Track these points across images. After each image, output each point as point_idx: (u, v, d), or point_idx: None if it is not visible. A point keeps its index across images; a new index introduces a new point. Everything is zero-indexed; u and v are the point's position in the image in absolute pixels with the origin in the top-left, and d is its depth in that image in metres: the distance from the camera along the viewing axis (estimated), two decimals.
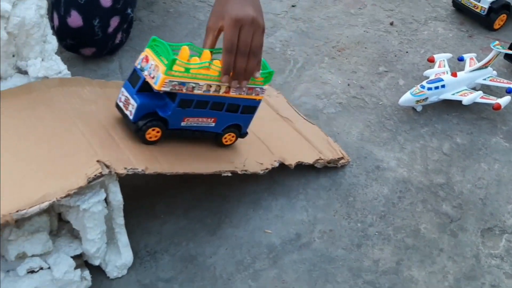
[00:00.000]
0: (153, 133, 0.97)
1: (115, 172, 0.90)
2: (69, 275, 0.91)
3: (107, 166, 0.90)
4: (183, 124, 0.99)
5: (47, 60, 1.10)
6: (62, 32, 1.40)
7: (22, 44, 1.07)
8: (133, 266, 1.02)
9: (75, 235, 0.97)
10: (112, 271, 0.99)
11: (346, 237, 1.08)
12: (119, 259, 0.99)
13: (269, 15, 1.71)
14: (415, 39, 1.62)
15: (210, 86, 0.95)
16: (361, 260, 1.05)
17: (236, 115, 1.03)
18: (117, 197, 0.93)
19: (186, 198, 1.15)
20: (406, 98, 1.33)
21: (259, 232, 1.09)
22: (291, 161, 1.12)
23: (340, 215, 1.12)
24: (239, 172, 1.04)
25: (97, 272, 0.99)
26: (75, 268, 0.92)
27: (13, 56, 1.07)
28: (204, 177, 1.16)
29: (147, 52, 0.94)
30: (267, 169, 1.08)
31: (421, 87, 1.33)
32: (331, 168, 1.21)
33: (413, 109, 1.37)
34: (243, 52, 0.92)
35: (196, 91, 0.94)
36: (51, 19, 1.41)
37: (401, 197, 1.16)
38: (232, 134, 1.07)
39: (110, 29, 1.42)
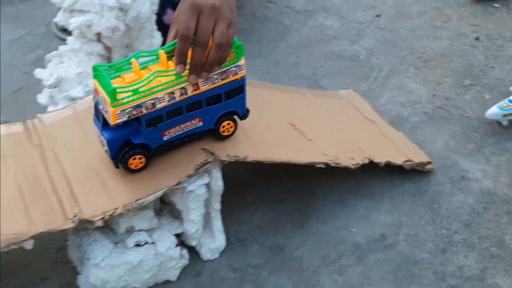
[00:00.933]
0: (136, 162, 0.91)
1: (219, 159, 0.96)
2: (170, 251, 0.97)
3: (212, 153, 0.96)
4: (165, 138, 0.92)
5: None
6: (159, 29, 1.49)
7: (135, 37, 1.15)
8: (224, 251, 1.07)
9: (175, 216, 1.03)
10: (206, 253, 1.05)
11: (431, 241, 1.10)
12: (213, 242, 1.04)
13: (353, 23, 1.75)
14: (501, 55, 1.61)
15: (173, 93, 0.86)
16: (445, 264, 1.06)
17: (222, 104, 0.94)
18: (218, 183, 0.99)
19: (274, 192, 1.20)
20: (493, 111, 1.33)
21: (344, 230, 1.12)
22: (380, 159, 1.15)
23: (425, 220, 1.14)
24: (332, 165, 1.07)
25: (191, 253, 1.05)
26: (176, 246, 0.99)
27: (126, 47, 1.16)
28: (292, 173, 1.22)
29: (95, 83, 0.86)
30: (358, 164, 1.11)
31: (509, 102, 1.33)
32: (416, 175, 1.23)
33: (499, 123, 1.37)
34: (200, 42, 0.81)
35: (159, 105, 0.86)
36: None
37: (486, 208, 1.17)
38: (228, 122, 0.97)
39: None
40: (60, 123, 1.02)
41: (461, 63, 1.58)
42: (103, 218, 0.85)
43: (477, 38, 1.68)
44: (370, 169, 1.23)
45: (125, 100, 0.82)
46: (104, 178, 0.92)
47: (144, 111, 0.85)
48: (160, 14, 1.46)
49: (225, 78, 0.91)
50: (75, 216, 0.86)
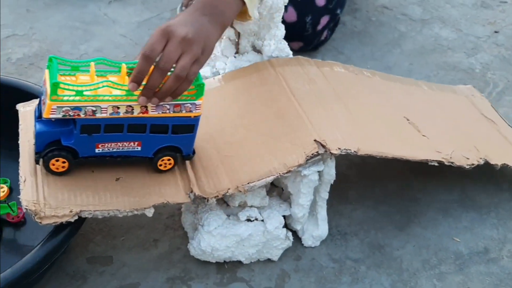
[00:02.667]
0: (58, 164, 0.87)
1: (330, 152, 0.98)
2: (277, 231, 1.01)
3: (323, 146, 0.98)
4: (97, 150, 0.87)
5: (279, 43, 1.23)
6: None
7: (263, 26, 1.20)
8: (325, 241, 1.10)
9: (283, 199, 1.07)
10: (308, 240, 1.08)
11: None
12: (316, 230, 1.07)
13: (470, 37, 1.72)
14: None
15: (118, 108, 0.82)
16: None
17: (167, 137, 0.90)
18: (331, 172, 1.01)
19: (377, 193, 1.21)
20: None
21: (447, 238, 1.12)
22: (496, 161, 1.12)
23: None
24: (446, 163, 1.05)
25: (293, 238, 1.08)
26: (283, 227, 1.03)
27: (254, 35, 1.21)
28: (395, 176, 1.23)
29: (46, 73, 0.82)
30: (473, 164, 1.09)
31: None
32: None
33: None
34: (160, 67, 0.79)
35: (99, 115, 0.82)
36: None
37: None
38: (169, 158, 0.92)
39: (319, 27, 1.54)
40: None
41: None
42: (216, 196, 0.91)
43: None
44: (477, 182, 1.22)
45: (65, 98, 0.79)
46: (221, 157, 0.97)
47: (82, 116, 0.81)
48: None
49: (178, 112, 0.87)
50: (191, 191, 0.92)
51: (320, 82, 1.14)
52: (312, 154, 0.97)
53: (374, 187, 1.22)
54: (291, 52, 1.25)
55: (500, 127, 1.26)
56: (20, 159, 0.91)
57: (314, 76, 1.15)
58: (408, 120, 1.13)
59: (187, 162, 0.97)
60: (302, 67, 1.16)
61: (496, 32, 1.74)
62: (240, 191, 0.93)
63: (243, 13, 0.98)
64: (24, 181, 0.88)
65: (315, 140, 0.99)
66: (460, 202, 1.19)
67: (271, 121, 1.05)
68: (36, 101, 0.99)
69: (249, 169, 0.96)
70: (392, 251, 1.09)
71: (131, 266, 1.03)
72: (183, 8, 1.68)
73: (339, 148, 0.98)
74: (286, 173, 0.96)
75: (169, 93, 0.82)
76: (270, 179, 0.95)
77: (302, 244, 1.08)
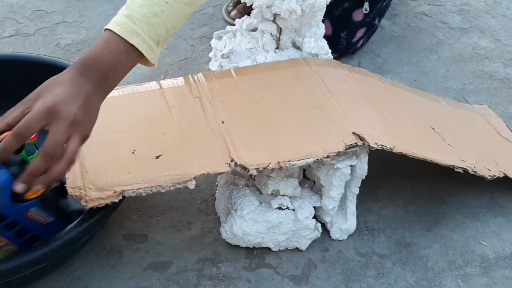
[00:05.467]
0: None
1: (368, 145, 1.01)
2: (307, 220, 1.04)
3: (361, 139, 1.01)
4: None
5: (319, 41, 1.26)
6: None
7: (305, 23, 1.24)
8: (352, 235, 1.12)
9: (314, 191, 1.10)
10: (336, 233, 1.11)
11: None
12: (345, 223, 1.10)
13: (509, 47, 1.72)
14: None
15: None
16: None
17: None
18: (363, 167, 1.04)
19: (406, 193, 1.23)
20: None
21: (473, 241, 1.13)
22: None
23: None
24: (470, 172, 1.08)
25: (321, 230, 1.11)
26: (313, 218, 1.06)
27: (295, 31, 1.25)
28: (424, 178, 1.25)
29: None
30: (494, 176, 1.12)
31: None
32: None
33: None
34: (49, 153, 0.73)
35: None
36: None
37: None
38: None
39: (355, 39, 1.56)
40: (219, 82, 1.12)
41: None
42: (257, 168, 0.93)
43: None
44: (506, 189, 1.23)
45: None
46: (258, 136, 1.00)
47: None
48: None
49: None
50: (232, 161, 0.94)
51: (353, 84, 1.18)
52: (351, 144, 1.00)
53: (403, 187, 1.24)
54: (330, 51, 1.28)
55: None
56: None
57: (347, 78, 1.19)
58: (433, 129, 1.16)
59: (226, 135, 1.00)
60: (335, 69, 1.20)
61: None
62: (281, 167, 0.95)
63: (145, 60, 0.85)
64: (69, 171, 0.93)
65: (353, 133, 1.02)
66: (489, 208, 1.20)
67: (310, 111, 1.08)
68: None
69: (289, 148, 0.99)
70: (418, 250, 1.11)
71: (165, 245, 1.08)
72: (230, 7, 1.72)
73: (376, 143, 1.01)
74: (326, 157, 0.98)
75: (59, 178, 0.77)
76: (310, 160, 0.97)
77: (330, 237, 1.11)
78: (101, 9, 1.75)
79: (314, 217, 1.09)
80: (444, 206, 1.20)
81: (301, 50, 1.25)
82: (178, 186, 0.93)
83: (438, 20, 1.83)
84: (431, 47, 1.71)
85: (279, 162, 0.95)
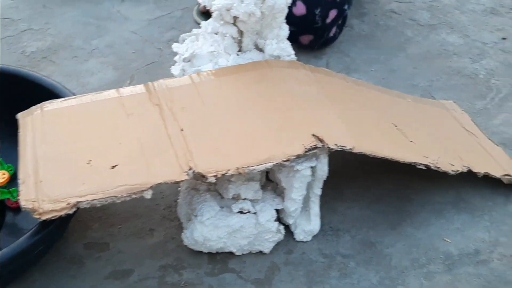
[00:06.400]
0: None
1: (327, 146, 1.01)
2: (269, 224, 1.04)
3: (321, 140, 1.01)
4: None
5: (281, 43, 1.26)
6: (288, 21, 1.56)
7: (266, 25, 1.23)
8: (317, 236, 1.12)
9: (277, 194, 1.10)
10: (299, 234, 1.10)
11: None
12: (308, 225, 1.10)
13: (477, 43, 1.72)
14: None
15: None
16: None
17: None
18: (324, 168, 1.04)
19: (372, 192, 1.23)
20: None
21: (437, 239, 1.13)
22: (478, 169, 1.15)
23: None
24: (433, 168, 1.08)
25: (285, 232, 1.11)
26: (275, 220, 1.05)
27: (256, 34, 1.25)
28: (391, 176, 1.24)
29: None
30: (457, 171, 1.12)
31: None
32: None
33: None
34: None
35: None
36: None
37: None
38: None
39: (328, 20, 1.57)
40: (179, 89, 1.11)
41: None
42: (215, 175, 0.93)
43: None
44: (472, 185, 1.23)
45: None
46: (218, 142, 0.99)
47: None
48: (290, 6, 1.54)
49: None
50: (190, 169, 0.93)
51: (314, 85, 1.18)
52: (311, 146, 1.00)
53: (369, 187, 1.24)
54: (293, 52, 1.27)
55: (481, 140, 1.29)
56: (19, 163, 0.96)
57: (309, 79, 1.19)
58: (396, 126, 1.16)
59: (185, 143, 0.99)
60: (297, 70, 1.20)
61: (504, 38, 1.74)
62: (241, 173, 0.95)
63: None
64: (23, 183, 0.92)
65: (313, 135, 1.01)
66: (454, 204, 1.20)
67: (270, 115, 1.08)
68: (35, 108, 1.05)
69: (249, 153, 0.98)
70: (382, 249, 1.11)
71: (126, 253, 1.07)
72: (199, 12, 1.72)
73: (336, 144, 1.01)
74: (286, 161, 0.98)
75: None
76: (270, 165, 0.97)
77: (294, 239, 1.11)
78: (67, 16, 1.74)
79: (278, 219, 1.09)
80: (409, 204, 1.20)
81: (264, 52, 1.25)
82: (134, 196, 0.92)
83: (407, 18, 1.84)
84: (400, 44, 1.71)
85: (238, 168, 0.95)
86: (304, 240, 1.11)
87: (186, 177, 0.93)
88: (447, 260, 1.09)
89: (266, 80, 1.15)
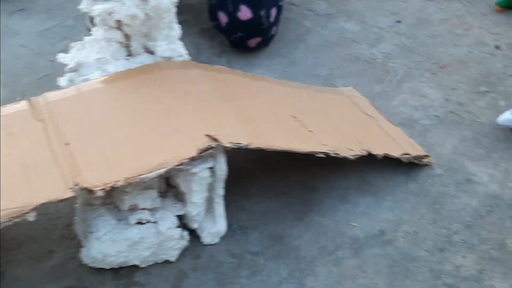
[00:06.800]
0: None
1: (222, 145, 0.99)
2: (171, 231, 1.00)
3: (215, 140, 0.99)
4: None
5: (172, 44, 1.23)
6: (233, 27, 1.56)
7: (153, 26, 1.19)
8: (225, 237, 1.10)
9: (179, 199, 1.07)
10: (206, 237, 1.08)
11: (430, 240, 1.11)
12: (214, 227, 1.07)
13: (373, 28, 1.76)
14: None
15: None
16: (442, 263, 1.06)
17: None
18: (222, 168, 1.02)
19: (279, 185, 1.22)
20: (505, 117, 1.33)
21: (344, 224, 1.14)
22: (378, 152, 1.18)
23: (426, 219, 1.15)
24: (332, 154, 1.09)
25: (192, 237, 1.08)
26: (177, 227, 1.02)
27: (144, 36, 1.21)
28: (297, 168, 1.25)
29: None
30: (357, 155, 1.14)
31: None
32: (420, 176, 1.24)
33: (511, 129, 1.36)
34: None
35: None
36: (213, 19, 1.58)
37: (490, 211, 1.17)
38: None
39: (272, 19, 1.57)
40: (64, 101, 1.06)
41: (478, 70, 1.57)
42: (104, 188, 0.88)
43: (497, 47, 1.67)
44: (374, 167, 1.25)
45: None
46: (107, 152, 0.95)
47: None
48: (233, 12, 1.53)
49: None
50: (76, 185, 0.89)
51: (208, 84, 1.16)
52: (204, 147, 0.97)
53: (276, 180, 1.23)
54: (185, 52, 1.25)
55: (380, 122, 1.32)
56: None
57: (202, 79, 1.17)
58: (295, 117, 1.16)
59: (70, 157, 0.94)
60: (190, 71, 1.17)
61: (398, 22, 1.79)
62: (131, 183, 0.91)
63: None
64: None
65: (206, 135, 0.99)
66: (358, 188, 1.22)
67: (162, 118, 1.04)
68: None
69: (139, 162, 0.95)
70: (290, 241, 1.10)
71: (24, 280, 1.00)
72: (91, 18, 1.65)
73: (231, 142, 1.00)
74: (179, 165, 0.95)
75: None
76: (162, 171, 0.93)
77: (202, 242, 1.08)
78: None
79: (183, 225, 1.06)
80: (315, 193, 1.21)
81: (155, 55, 1.21)
82: (16, 220, 0.86)
83: (305, 9, 1.85)
84: (300, 36, 1.72)
85: (127, 178, 0.91)
86: (212, 242, 1.08)
87: (72, 194, 0.88)
88: (354, 244, 1.10)
89: (157, 83, 1.12)
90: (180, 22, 1.72)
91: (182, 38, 1.64)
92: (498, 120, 1.33)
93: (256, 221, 1.14)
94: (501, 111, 1.40)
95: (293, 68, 1.58)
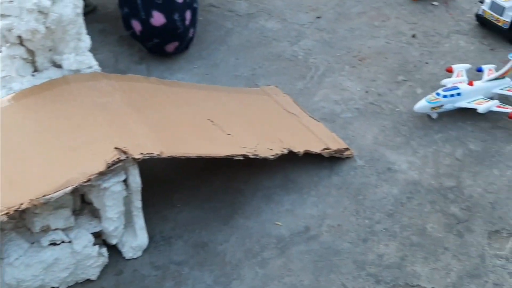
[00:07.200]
0: None
1: (132, 157, 0.97)
2: (87, 249, 0.97)
3: (124, 152, 0.96)
4: None
5: (80, 56, 1.19)
6: (147, 34, 1.53)
7: (58, 40, 1.16)
8: (148, 249, 1.08)
9: (95, 216, 1.04)
10: (128, 252, 1.05)
11: (353, 232, 1.12)
12: (135, 240, 1.05)
13: (294, 25, 1.77)
14: (436, 51, 1.65)
15: None
16: (366, 254, 1.08)
17: None
18: (136, 180, 1.00)
19: (202, 190, 1.21)
20: (421, 104, 1.36)
21: (269, 224, 1.14)
22: (299, 149, 1.18)
23: (349, 211, 1.16)
24: (251, 156, 1.09)
25: (114, 252, 1.06)
26: (94, 245, 0.99)
27: (50, 50, 1.17)
28: (221, 172, 1.23)
29: None
30: (277, 154, 1.14)
31: (437, 95, 1.36)
32: (343, 168, 1.25)
33: (429, 116, 1.40)
34: None
35: None
36: (128, 28, 1.54)
37: (410, 198, 1.19)
38: None
39: (187, 22, 1.55)
40: None
41: (396, 60, 1.61)
42: (7, 213, 0.85)
43: (413, 36, 1.71)
44: (298, 164, 1.25)
45: None
46: (11, 174, 0.92)
47: None
48: (146, 19, 1.49)
49: None
50: None
51: (118, 95, 1.13)
52: (113, 161, 0.95)
53: (200, 186, 1.22)
54: (95, 63, 1.22)
55: (302, 119, 1.33)
56: None
57: (112, 89, 1.15)
58: (212, 122, 1.16)
59: None
60: (99, 82, 1.15)
61: (318, 17, 1.81)
62: (36, 205, 0.88)
63: None
64: None
65: (116, 148, 0.97)
66: (282, 187, 1.22)
67: (70, 134, 1.01)
68: None
69: (45, 182, 0.91)
70: (215, 247, 1.09)
71: None
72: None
73: (142, 153, 0.97)
74: (87, 181, 0.92)
75: None
76: (68, 189, 0.91)
77: (124, 257, 1.06)
78: None
79: (103, 242, 1.03)
80: (240, 195, 1.20)
81: (62, 68, 1.18)
82: None
83: (226, 9, 1.84)
84: (221, 37, 1.71)
85: (31, 200, 0.88)
86: (135, 256, 1.06)
87: None
88: (280, 243, 1.10)
89: (64, 98, 1.09)
90: (98, 31, 1.71)
91: (101, 47, 1.62)
92: (415, 108, 1.37)
93: (180, 230, 1.12)
94: (418, 98, 1.44)
95: (214, 70, 1.57)
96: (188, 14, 1.54)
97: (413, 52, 1.65)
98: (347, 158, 1.27)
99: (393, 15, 1.81)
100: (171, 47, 1.55)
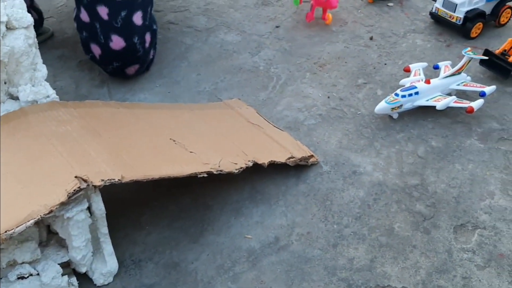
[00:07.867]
0: None
1: (93, 185, 0.96)
2: (56, 280, 0.97)
3: (85, 180, 0.96)
4: None
5: (36, 86, 1.19)
6: (107, 57, 1.52)
7: (12, 72, 1.15)
8: (119, 274, 1.07)
9: (62, 245, 1.03)
10: (99, 279, 1.05)
11: (323, 238, 1.13)
12: (105, 267, 1.04)
13: (254, 36, 1.79)
14: (393, 51, 1.68)
15: None
16: (336, 259, 1.09)
17: None
18: (99, 207, 0.99)
19: (171, 209, 1.21)
20: (382, 106, 1.38)
21: (239, 238, 1.14)
22: (264, 160, 1.19)
23: (317, 218, 1.17)
24: (215, 172, 1.09)
25: (85, 280, 1.05)
26: (63, 275, 0.98)
27: (5, 83, 1.16)
28: (189, 190, 1.24)
29: None
30: (241, 168, 1.14)
31: (395, 95, 1.38)
32: (309, 175, 1.26)
33: (390, 116, 1.42)
34: None
35: None
36: (87, 52, 1.53)
37: (376, 199, 1.21)
38: None
39: (147, 44, 1.54)
40: None
41: (355, 63, 1.63)
42: None
43: (371, 38, 1.74)
44: (265, 175, 1.26)
45: None
46: None
47: None
48: (105, 42, 1.48)
49: None
50: None
51: (76, 123, 1.13)
52: (74, 190, 0.94)
53: (167, 207, 1.22)
54: (52, 92, 1.21)
55: (266, 129, 1.35)
56: None
57: (70, 117, 1.14)
58: (174, 141, 1.16)
59: None
60: (56, 111, 1.14)
61: (277, 27, 1.83)
62: None
63: None
64: None
65: (76, 177, 0.96)
66: (251, 199, 1.22)
67: (28, 167, 1.00)
68: None
69: (5, 217, 0.90)
70: (187, 266, 1.09)
71: None
72: None
73: (103, 180, 0.97)
74: (49, 213, 0.91)
75: None
76: (30, 223, 0.89)
77: (95, 284, 1.05)
78: None
79: (73, 271, 1.02)
80: (209, 211, 1.20)
81: (19, 100, 1.17)
82: None
83: (184, 26, 1.85)
84: (181, 54, 1.72)
85: None
86: (106, 283, 1.05)
87: None
88: (251, 256, 1.10)
89: (22, 129, 1.08)
90: (57, 57, 1.71)
91: (61, 74, 1.62)
92: (375, 110, 1.39)
93: (150, 252, 1.12)
94: (379, 100, 1.46)
95: (176, 87, 1.58)
96: (148, 37, 1.54)
97: (372, 54, 1.67)
98: (313, 164, 1.29)
99: (350, 19, 1.84)
100: (131, 70, 1.55)
